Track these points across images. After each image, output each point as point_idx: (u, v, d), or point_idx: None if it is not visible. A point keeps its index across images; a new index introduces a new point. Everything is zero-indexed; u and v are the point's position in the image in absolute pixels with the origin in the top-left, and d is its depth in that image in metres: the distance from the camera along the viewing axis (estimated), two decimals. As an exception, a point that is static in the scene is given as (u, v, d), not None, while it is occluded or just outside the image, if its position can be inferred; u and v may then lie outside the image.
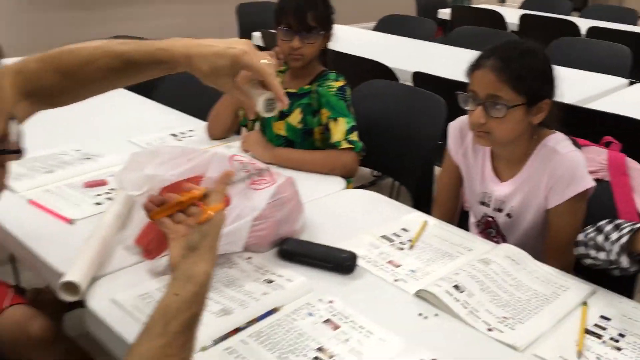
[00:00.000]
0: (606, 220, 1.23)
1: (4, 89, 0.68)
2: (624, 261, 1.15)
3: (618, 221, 1.20)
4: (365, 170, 2.59)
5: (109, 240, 1.24)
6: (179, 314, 0.81)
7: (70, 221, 1.35)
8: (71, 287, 1.10)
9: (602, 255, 1.20)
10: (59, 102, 1.00)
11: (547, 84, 1.43)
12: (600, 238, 1.20)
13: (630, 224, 1.17)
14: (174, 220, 0.90)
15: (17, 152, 0.71)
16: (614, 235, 1.17)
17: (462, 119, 1.62)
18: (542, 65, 1.43)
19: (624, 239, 1.14)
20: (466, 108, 1.47)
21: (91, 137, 1.81)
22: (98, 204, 1.44)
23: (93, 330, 1.10)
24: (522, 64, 1.39)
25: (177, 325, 0.80)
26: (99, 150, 1.72)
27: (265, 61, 0.96)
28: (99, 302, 1.11)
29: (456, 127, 1.64)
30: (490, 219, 1.61)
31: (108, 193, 1.50)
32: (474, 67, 1.44)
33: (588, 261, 1.26)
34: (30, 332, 1.31)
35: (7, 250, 2.17)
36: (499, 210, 1.58)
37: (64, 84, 0.96)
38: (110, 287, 1.15)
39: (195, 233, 0.86)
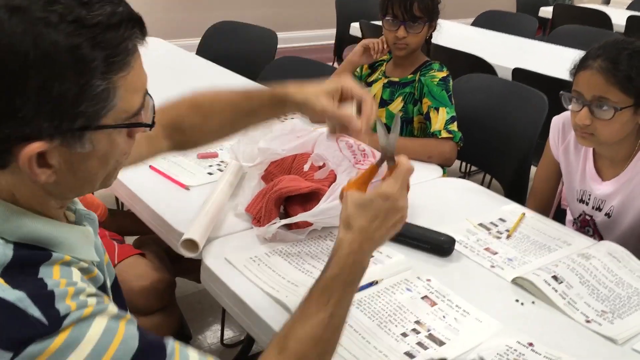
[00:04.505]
0: None
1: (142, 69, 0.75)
2: None
3: None
4: (454, 167, 2.58)
5: (222, 206, 1.33)
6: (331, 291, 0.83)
7: (186, 187, 1.46)
8: (190, 244, 1.20)
9: None
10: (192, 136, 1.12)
11: None
12: None
13: None
14: None
15: (149, 125, 0.77)
16: None
17: (566, 114, 1.60)
18: None
19: None
20: (569, 108, 1.45)
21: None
22: (210, 173, 1.55)
23: (208, 284, 1.19)
24: (631, 65, 1.34)
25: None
26: (210, 126, 1.83)
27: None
28: (214, 260, 1.20)
29: (559, 122, 1.62)
30: (588, 217, 1.59)
31: (219, 165, 1.60)
32: (579, 67, 1.41)
33: None
34: (151, 282, 1.40)
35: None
36: (598, 209, 1.56)
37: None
38: (223, 247, 1.24)
39: (343, 209, 0.90)
